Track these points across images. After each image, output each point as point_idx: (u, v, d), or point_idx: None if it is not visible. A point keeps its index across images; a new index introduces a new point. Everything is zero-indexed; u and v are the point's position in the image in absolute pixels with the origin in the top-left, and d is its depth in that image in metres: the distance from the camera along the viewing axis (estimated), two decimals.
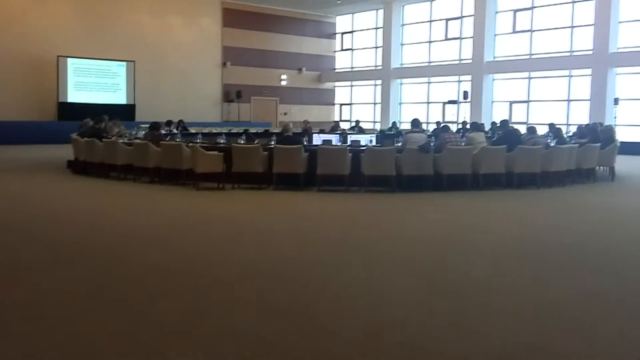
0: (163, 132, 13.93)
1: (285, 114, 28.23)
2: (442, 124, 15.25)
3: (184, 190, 10.23)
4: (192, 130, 17.35)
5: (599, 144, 11.95)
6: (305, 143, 10.94)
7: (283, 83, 28.54)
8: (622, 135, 17.97)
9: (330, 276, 4.90)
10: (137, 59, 23.72)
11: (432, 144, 10.76)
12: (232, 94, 26.54)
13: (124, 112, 21.56)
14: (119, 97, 23.58)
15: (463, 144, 10.88)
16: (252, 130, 18.04)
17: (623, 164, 13.39)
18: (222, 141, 11.53)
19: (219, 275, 4.91)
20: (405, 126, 22.93)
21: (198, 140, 11.72)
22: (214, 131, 17.72)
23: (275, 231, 6.84)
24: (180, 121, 18.23)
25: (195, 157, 10.23)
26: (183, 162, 10.57)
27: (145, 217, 7.75)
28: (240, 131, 16.58)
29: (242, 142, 11.35)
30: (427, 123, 24.57)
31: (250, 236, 6.52)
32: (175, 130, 16.11)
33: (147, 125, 13.17)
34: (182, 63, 25.15)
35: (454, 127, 20.60)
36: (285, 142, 10.52)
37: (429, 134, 13.54)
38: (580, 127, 15.17)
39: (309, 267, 5.18)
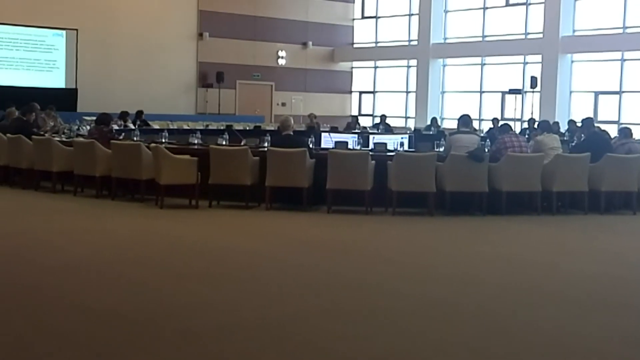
0: (115, 127, 14.04)
1: (283, 104, 28.30)
2: (501, 123, 15.26)
3: (143, 208, 10.26)
4: (156, 126, 17.48)
5: None
6: (311, 145, 10.97)
7: (281, 62, 28.63)
8: None
9: (338, 332, 4.91)
10: (80, 26, 23.85)
11: (486, 150, 10.76)
12: (211, 77, 26.62)
13: (63, 100, 21.60)
14: (56, 79, 23.69)
15: (529, 150, 10.89)
16: (238, 126, 18.12)
17: None
18: (196, 141, 11.59)
19: (188, 327, 4.92)
20: (450, 125, 22.89)
21: (163, 140, 11.79)
22: (186, 127, 17.84)
23: (266, 268, 6.85)
24: (140, 113, 18.34)
25: (160, 162, 10.28)
26: (142, 170, 10.62)
27: (89, 244, 7.77)
28: (222, 127, 16.68)
29: (224, 142, 11.40)
30: (480, 120, 24.52)
31: (231, 275, 6.54)
32: (132, 126, 16.23)
33: (94, 119, 13.24)
34: (142, 33, 25.26)
35: (517, 127, 20.61)
36: (283, 143, 10.56)
37: (482, 135, 13.57)
38: None
39: (308, 320, 5.19)
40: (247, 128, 18.54)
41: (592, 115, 19.32)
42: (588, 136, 11.79)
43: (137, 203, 10.58)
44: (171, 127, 17.41)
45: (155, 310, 5.29)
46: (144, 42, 25.13)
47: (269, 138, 11.33)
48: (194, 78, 26.81)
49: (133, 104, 19.97)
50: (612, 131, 14.12)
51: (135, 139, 12.00)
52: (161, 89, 25.40)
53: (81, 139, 11.97)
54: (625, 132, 11.86)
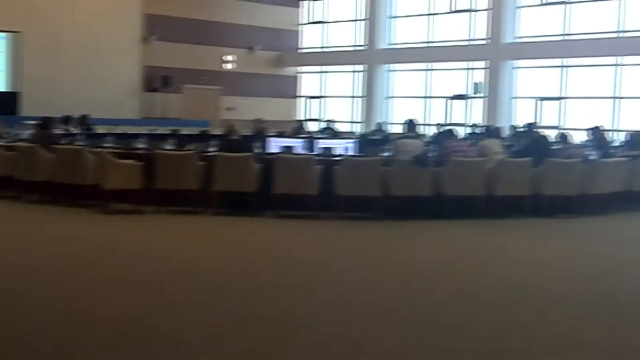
0: (58, 131, 13.82)
1: (230, 109, 28.20)
2: (446, 128, 15.43)
3: (87, 213, 10.14)
4: (100, 130, 17.22)
5: None
6: (258, 150, 10.97)
7: (228, 67, 28.55)
8: None
9: (280, 339, 4.93)
10: (23, 29, 23.47)
11: (431, 155, 10.89)
12: (156, 81, 26.40)
13: (4, 103, 21.28)
14: None
15: (473, 154, 11.04)
16: (185, 131, 17.98)
17: None
18: (141, 146, 11.49)
19: (127, 334, 4.89)
20: (397, 129, 23.09)
21: (108, 144, 11.66)
22: (131, 132, 17.62)
23: (209, 274, 6.84)
24: (84, 117, 18.08)
25: (104, 167, 10.17)
26: (86, 175, 10.50)
27: (30, 251, 7.66)
28: (168, 132, 16.53)
29: (170, 147, 11.33)
30: (426, 126, 24.80)
31: (175, 281, 6.51)
32: (75, 130, 15.99)
33: (36, 123, 13.02)
34: (86, 36, 24.95)
35: (461, 132, 20.90)
36: (230, 148, 10.55)
37: (427, 140, 13.71)
38: (632, 134, 15.54)
39: (251, 327, 5.20)
40: (194, 133, 18.40)
41: (534, 121, 19.67)
42: (530, 141, 12.01)
43: (81, 209, 10.44)
44: (116, 131, 17.17)
45: (94, 318, 5.23)
46: (89, 46, 24.82)
47: (216, 143, 11.28)
48: (139, 82, 26.55)
49: (77, 108, 19.64)
50: (555, 136, 14.40)
51: (78, 143, 11.84)
52: (106, 93, 25.08)
53: (22, 143, 11.76)
54: (564, 138, 12.13)
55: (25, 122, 15.97)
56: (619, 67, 22.19)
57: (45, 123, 11.96)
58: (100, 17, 25.27)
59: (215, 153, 10.55)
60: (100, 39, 25.06)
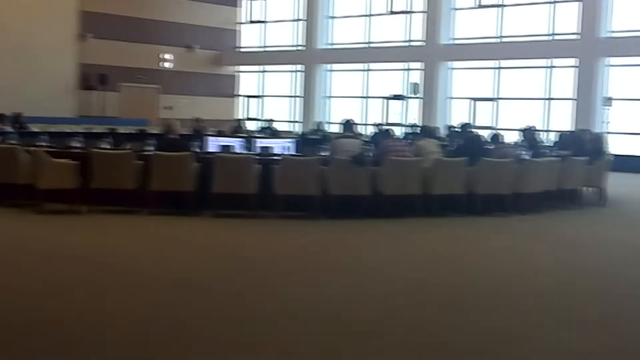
0: None
1: (169, 108, 27.96)
2: (383, 128, 15.60)
3: (20, 213, 9.95)
4: (35, 129, 16.88)
5: (585, 158, 12.59)
6: (196, 149, 10.91)
7: (166, 65, 28.29)
8: (616, 146, 18.97)
9: (217, 339, 4.93)
10: None
11: (369, 154, 10.98)
12: (93, 79, 26.03)
13: None
14: None
15: (410, 154, 11.16)
16: (122, 130, 17.76)
17: (617, 184, 14.16)
18: (77, 144, 11.31)
19: (61, 336, 4.83)
20: (335, 129, 23.23)
21: (42, 143, 11.44)
22: (67, 130, 17.32)
23: (143, 274, 6.79)
24: (17, 115, 17.71)
25: (38, 166, 9.98)
26: (19, 174, 10.28)
27: None
28: (105, 131, 16.30)
29: (107, 146, 11.18)
30: (364, 125, 24.98)
31: (108, 281, 6.45)
32: (9, 129, 15.64)
33: None
34: (20, 33, 24.43)
35: (399, 132, 21.13)
36: (168, 147, 10.46)
37: (366, 139, 13.82)
38: (562, 134, 15.95)
39: (185, 327, 5.18)
40: (132, 132, 18.19)
41: (469, 121, 20.00)
42: (465, 141, 12.21)
43: (14, 208, 10.22)
44: (51, 129, 16.86)
45: (27, 320, 5.14)
46: (22, 42, 24.32)
47: (154, 142, 11.18)
48: (76, 80, 26.13)
49: (11, 106, 19.24)
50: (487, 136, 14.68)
51: (12, 142, 11.59)
52: (40, 90, 24.62)
53: None
54: (496, 137, 12.35)
55: None
56: (550, 69, 22.74)
57: None
58: (34, 13, 24.79)
59: (153, 152, 10.44)
60: (34, 36, 24.59)
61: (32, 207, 10.06)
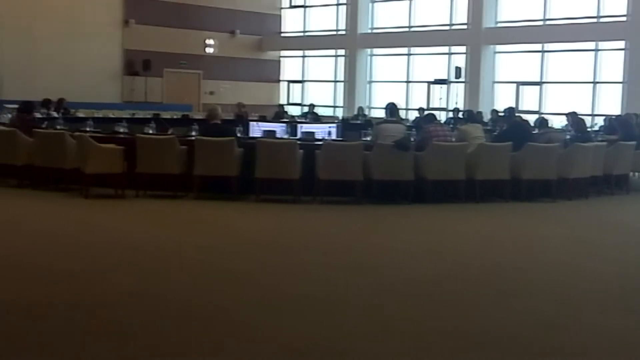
0: (38, 115, 13.71)
1: (211, 93, 28.07)
2: (427, 112, 15.48)
3: (67, 197, 10.09)
4: (80, 114, 17.11)
5: (634, 142, 12.36)
6: (239, 134, 10.96)
7: (209, 51, 28.39)
8: None
9: (263, 322, 4.94)
10: (1, 10, 23.20)
11: (412, 139, 10.91)
12: (137, 65, 26.22)
13: None
14: None
15: (453, 139, 11.08)
16: (165, 115, 17.91)
17: None
18: (122, 130, 11.43)
19: (115, 319, 4.88)
20: (378, 114, 23.11)
21: (88, 129, 11.58)
22: (111, 116, 17.52)
23: (192, 259, 6.84)
24: (61, 100, 17.96)
25: (85, 151, 10.11)
26: (67, 159, 10.43)
27: (10, 236, 7.62)
28: (149, 116, 16.45)
29: (151, 131, 11.28)
30: (407, 110, 24.82)
31: (156, 265, 6.51)
32: (55, 114, 15.87)
33: (15, 107, 12.90)
34: (65, 19, 24.72)
35: (442, 117, 20.95)
36: (211, 132, 10.51)
37: (408, 124, 13.75)
38: (610, 119, 15.67)
39: (234, 310, 5.20)
40: (175, 117, 18.33)
41: (514, 105, 19.75)
42: (510, 125, 12.06)
43: (61, 193, 10.38)
44: (96, 115, 17.07)
45: (80, 303, 5.22)
46: (68, 29, 24.61)
47: (197, 127, 11.24)
48: (120, 66, 26.37)
49: (57, 92, 19.53)
50: (534, 120, 14.49)
51: (58, 127, 11.76)
52: (86, 76, 24.90)
53: (1, 127, 11.66)
54: (543, 122, 12.19)
55: (5, 105, 15.83)
56: (598, 52, 22.31)
57: (26, 107, 11.87)
58: (79, 0, 25.04)
59: (197, 137, 10.50)
60: (80, 22, 24.85)
61: (79, 192, 10.22)
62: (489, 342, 4.61)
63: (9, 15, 23.18)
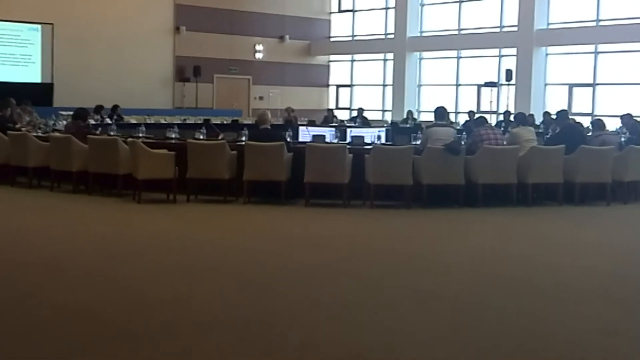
0: (92, 122, 13.94)
1: (261, 98, 28.24)
2: (477, 115, 15.32)
3: (120, 203, 10.21)
4: (132, 121, 17.36)
5: None
6: (288, 139, 10.97)
7: (258, 56, 28.56)
8: None
9: (317, 327, 4.91)
10: (56, 21, 23.66)
11: (462, 143, 10.80)
12: (187, 71, 26.51)
13: (39, 94, 21.45)
14: (32, 74, 23.46)
15: (505, 142, 10.94)
16: (216, 120, 18.06)
17: None
18: (173, 135, 11.53)
19: (167, 322, 4.91)
20: (427, 117, 22.96)
21: (140, 135, 11.72)
22: (163, 121, 17.75)
23: (245, 263, 6.85)
24: (115, 107, 18.24)
25: (137, 157, 10.22)
26: (120, 165, 10.56)
27: (67, 240, 7.74)
28: (199, 122, 16.61)
29: (202, 136, 11.36)
30: (456, 113, 24.59)
31: (210, 270, 6.53)
32: (108, 120, 16.13)
33: (71, 114, 13.12)
34: (118, 27, 25.09)
35: (492, 120, 20.72)
36: (261, 137, 10.54)
37: (458, 128, 13.61)
38: None
39: (287, 315, 5.20)
40: (225, 122, 18.48)
41: (566, 108, 19.42)
42: (562, 128, 11.86)
43: (114, 198, 10.52)
44: (148, 121, 17.29)
45: (134, 307, 5.26)
46: (120, 36, 24.95)
47: (247, 132, 11.29)
48: (171, 72, 26.66)
49: (109, 99, 19.84)
50: (587, 123, 14.22)
51: (112, 133, 11.92)
52: (138, 83, 25.24)
53: (58, 134, 11.87)
54: (598, 124, 11.95)
55: (60, 112, 16.13)
56: None
57: (80, 114, 12.06)
58: (132, 7, 25.38)
59: (246, 142, 10.54)
60: (132, 29, 25.19)
61: (131, 197, 10.34)
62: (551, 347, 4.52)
63: (63, 25, 23.62)
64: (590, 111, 22.08)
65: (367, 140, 11.64)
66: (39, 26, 23.53)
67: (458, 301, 5.56)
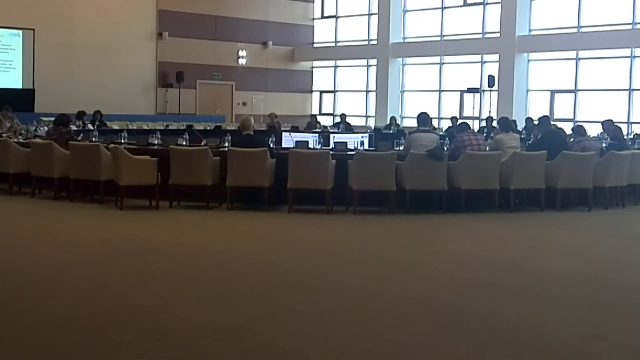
0: (74, 128, 13.87)
1: (244, 104, 28.21)
2: (460, 121, 15.39)
3: (102, 209, 10.17)
4: (115, 126, 17.29)
5: None
6: (271, 145, 10.97)
7: (241, 62, 28.55)
8: None
9: (303, 332, 4.90)
10: (37, 26, 23.53)
11: (445, 148, 10.83)
12: (170, 77, 26.44)
13: (19, 100, 21.28)
14: (12, 79, 23.32)
15: (487, 148, 10.99)
16: (199, 126, 18.03)
17: None
18: (156, 141, 11.50)
19: (150, 329, 4.88)
20: (410, 123, 23.02)
21: (123, 141, 11.68)
22: (145, 127, 17.70)
23: (228, 269, 6.83)
24: (97, 113, 18.17)
25: (119, 163, 10.18)
26: (101, 171, 10.52)
27: (48, 247, 7.68)
28: (182, 128, 16.57)
29: (184, 142, 11.34)
30: (439, 119, 24.68)
31: (193, 276, 6.51)
32: (90, 126, 16.05)
33: (52, 119, 13.06)
34: (100, 33, 25.00)
35: (475, 126, 20.81)
36: (244, 143, 10.53)
37: (441, 134, 13.66)
38: None
39: (272, 321, 5.18)
40: (208, 128, 18.45)
41: (548, 114, 19.55)
42: (544, 134, 11.93)
43: (96, 204, 10.47)
44: (131, 127, 17.25)
45: (118, 314, 5.23)
46: (102, 42, 24.86)
47: (230, 138, 11.28)
48: (154, 78, 26.59)
49: (92, 105, 19.76)
50: (568, 129, 14.30)
51: (94, 139, 11.87)
52: (120, 89, 25.15)
53: (39, 140, 11.80)
54: (580, 130, 12.04)
55: (42, 118, 16.05)
56: (633, 59, 22.02)
57: (62, 120, 11.99)
58: (114, 13, 25.30)
59: (229, 148, 10.53)
60: (115, 35, 25.11)
61: (113, 203, 10.29)
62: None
63: (44, 30, 23.51)
64: (571, 117, 22.23)
65: (350, 146, 11.66)
66: (20, 31, 23.40)
67: (442, 306, 5.58)
